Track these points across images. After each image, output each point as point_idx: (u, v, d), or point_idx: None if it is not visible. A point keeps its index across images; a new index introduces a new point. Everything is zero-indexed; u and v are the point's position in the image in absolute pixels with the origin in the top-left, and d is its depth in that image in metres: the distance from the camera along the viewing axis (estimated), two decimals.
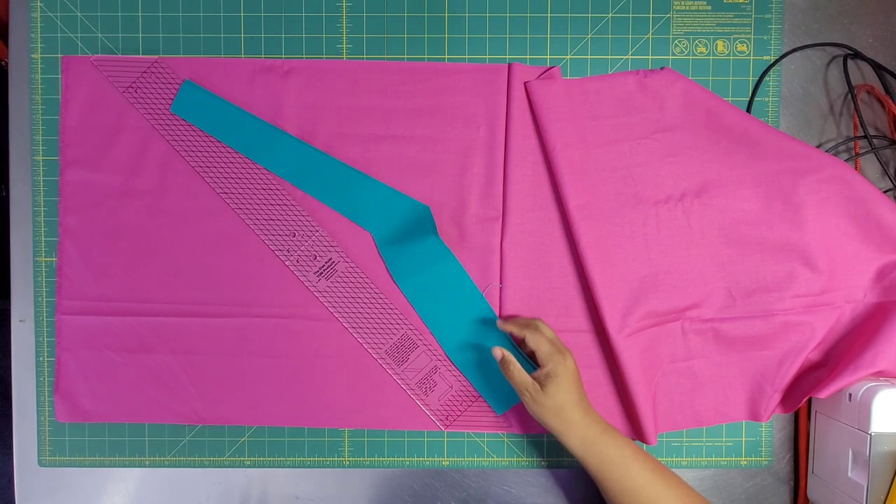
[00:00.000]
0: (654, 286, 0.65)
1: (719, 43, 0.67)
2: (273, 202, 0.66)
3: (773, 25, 0.67)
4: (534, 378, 0.58)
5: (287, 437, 0.67)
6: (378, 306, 0.66)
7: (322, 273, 0.66)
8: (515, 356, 0.62)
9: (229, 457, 0.67)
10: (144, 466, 0.67)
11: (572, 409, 0.57)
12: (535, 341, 0.58)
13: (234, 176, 0.66)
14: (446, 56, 0.67)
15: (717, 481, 0.68)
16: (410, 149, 0.66)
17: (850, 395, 0.59)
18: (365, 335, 0.66)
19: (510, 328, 0.62)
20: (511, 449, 0.68)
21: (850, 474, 0.59)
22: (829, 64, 0.68)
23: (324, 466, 0.68)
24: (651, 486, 0.56)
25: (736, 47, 0.67)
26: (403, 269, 0.65)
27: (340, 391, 0.66)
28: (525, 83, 0.65)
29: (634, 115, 0.65)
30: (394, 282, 0.66)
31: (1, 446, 1.22)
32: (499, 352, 0.60)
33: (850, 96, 0.67)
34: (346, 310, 0.66)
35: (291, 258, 0.66)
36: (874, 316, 0.64)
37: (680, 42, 0.67)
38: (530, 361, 0.62)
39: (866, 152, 0.66)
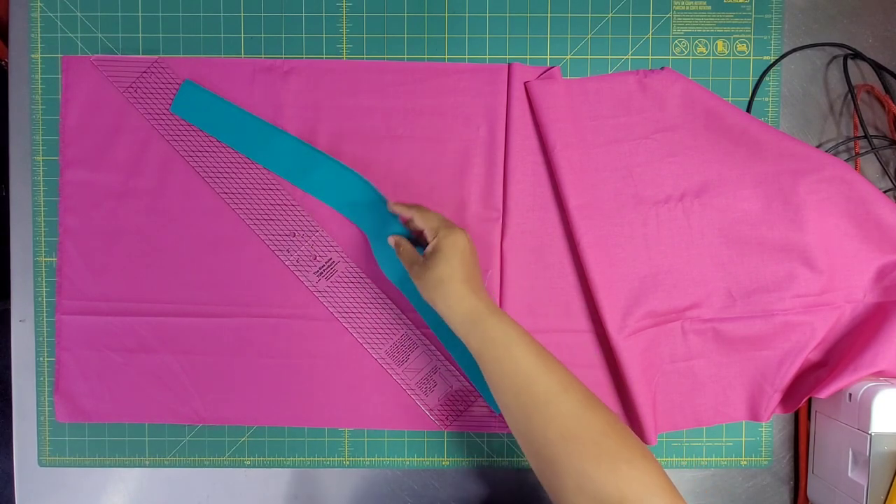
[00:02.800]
0: (654, 286, 0.65)
1: (719, 43, 0.67)
2: (273, 202, 0.66)
3: (773, 25, 0.67)
4: (424, 256, 0.56)
5: (287, 437, 0.67)
6: (378, 306, 0.66)
7: (322, 273, 0.66)
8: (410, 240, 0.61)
9: (229, 457, 0.67)
10: (144, 466, 0.67)
11: (455, 283, 0.53)
12: (423, 219, 0.57)
13: (234, 176, 0.66)
14: (446, 56, 0.67)
15: (717, 481, 0.68)
16: (410, 149, 0.66)
17: (850, 395, 0.59)
18: (365, 335, 0.66)
19: (398, 209, 0.60)
20: (511, 449, 0.68)
21: (850, 474, 0.59)
22: (829, 64, 0.68)
23: (324, 466, 0.68)
24: (533, 370, 0.51)
25: (736, 47, 0.67)
26: (399, 269, 0.65)
27: (340, 391, 0.66)
28: (525, 83, 0.65)
29: (634, 115, 0.65)
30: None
31: (1, 446, 1.22)
32: (392, 239, 0.60)
33: (850, 96, 0.67)
34: (346, 310, 0.66)
35: (291, 258, 0.66)
36: (874, 316, 0.64)
37: (680, 42, 0.67)
38: (423, 245, 0.60)
39: (866, 152, 0.66)
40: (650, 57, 0.67)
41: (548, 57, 0.67)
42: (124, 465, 0.67)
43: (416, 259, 0.58)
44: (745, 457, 0.68)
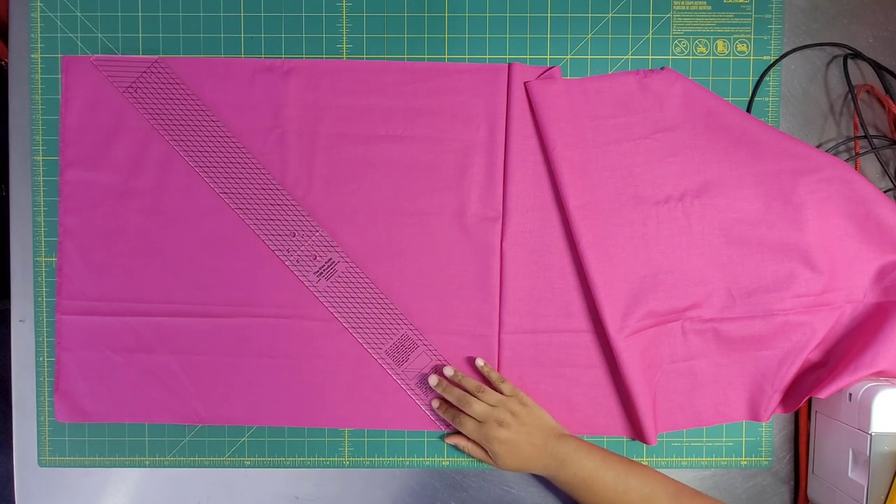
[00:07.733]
0: (655, 286, 0.65)
1: (719, 43, 0.67)
2: (273, 202, 0.66)
3: (773, 25, 0.67)
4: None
5: (287, 437, 0.67)
6: (378, 306, 0.66)
7: (322, 273, 0.66)
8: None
9: (229, 457, 0.67)
10: (144, 466, 0.67)
11: (525, 463, 0.61)
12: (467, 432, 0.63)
13: (234, 176, 0.66)
14: (446, 56, 0.67)
15: (717, 481, 0.68)
16: (410, 149, 0.66)
17: (850, 395, 0.59)
18: (365, 335, 0.66)
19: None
20: None
21: (850, 474, 0.59)
22: (829, 64, 0.68)
23: (324, 466, 0.68)
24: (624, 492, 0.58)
25: (736, 47, 0.67)
26: None
27: (340, 391, 0.66)
28: (525, 83, 0.65)
29: (634, 115, 0.65)
30: (394, 281, 0.66)
31: (1, 446, 1.22)
32: (451, 440, 0.65)
33: (850, 96, 0.67)
34: (346, 310, 0.66)
35: (291, 258, 0.66)
36: (874, 316, 0.64)
37: (680, 42, 0.67)
38: None
39: (866, 152, 0.66)
40: (650, 57, 0.67)
41: (548, 57, 0.67)
42: (124, 465, 0.67)
43: (485, 459, 0.64)
44: (745, 457, 0.68)
